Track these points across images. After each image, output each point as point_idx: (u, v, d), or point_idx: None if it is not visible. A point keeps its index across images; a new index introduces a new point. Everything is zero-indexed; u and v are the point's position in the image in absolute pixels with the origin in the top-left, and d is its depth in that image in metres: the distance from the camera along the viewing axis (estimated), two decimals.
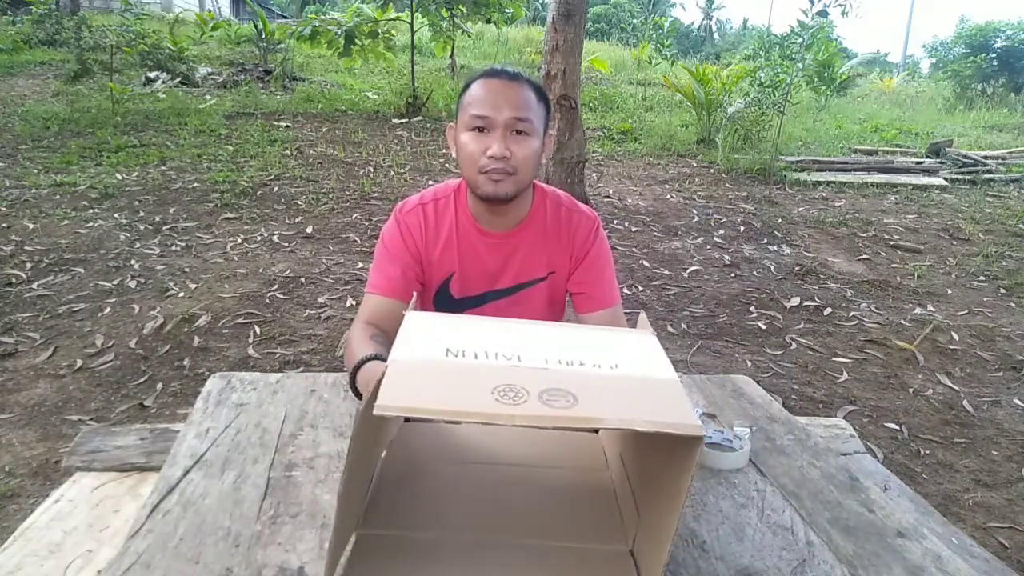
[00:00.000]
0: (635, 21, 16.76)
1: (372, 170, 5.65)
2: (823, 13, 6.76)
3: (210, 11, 14.77)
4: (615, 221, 4.76)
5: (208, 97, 8.03)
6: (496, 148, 1.10)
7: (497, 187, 1.13)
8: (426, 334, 0.79)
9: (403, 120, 7.73)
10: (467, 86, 1.17)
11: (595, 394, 0.66)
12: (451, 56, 10.16)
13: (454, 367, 0.72)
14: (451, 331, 0.80)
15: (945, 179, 6.75)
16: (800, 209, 5.47)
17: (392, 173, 5.59)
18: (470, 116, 1.12)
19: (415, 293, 1.02)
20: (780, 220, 5.07)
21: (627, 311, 3.40)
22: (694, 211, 5.18)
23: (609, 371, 0.71)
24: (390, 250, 1.24)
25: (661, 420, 0.62)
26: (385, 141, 6.76)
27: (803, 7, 6.68)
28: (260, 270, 3.44)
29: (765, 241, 4.57)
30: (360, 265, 3.61)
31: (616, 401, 0.67)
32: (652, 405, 0.65)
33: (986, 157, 7.67)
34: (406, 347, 0.74)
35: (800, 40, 6.79)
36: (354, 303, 3.13)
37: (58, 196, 4.40)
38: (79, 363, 2.48)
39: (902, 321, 3.36)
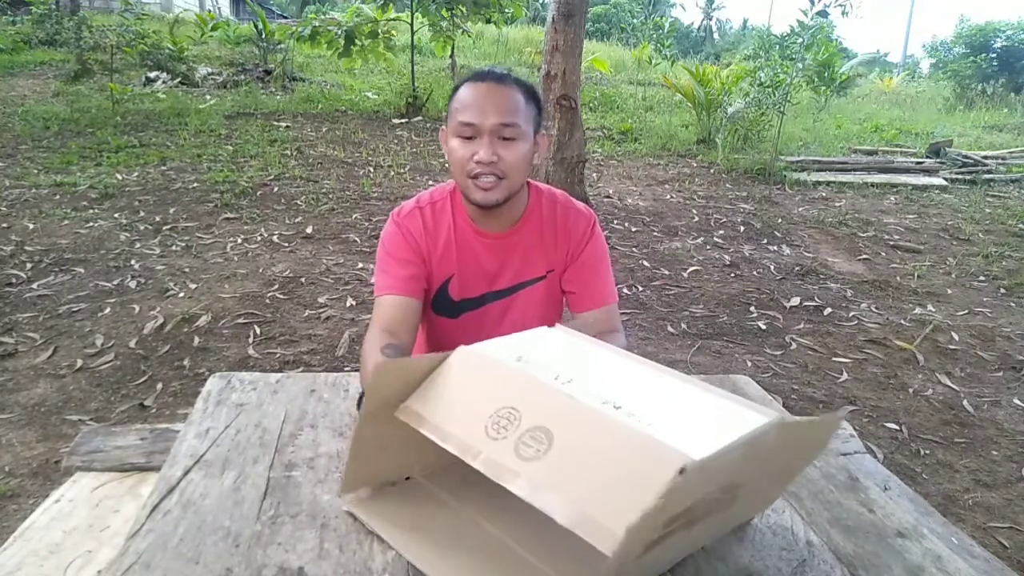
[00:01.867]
0: (635, 21, 16.76)
1: (372, 170, 5.65)
2: (823, 13, 6.76)
3: (210, 11, 14.77)
4: (615, 221, 4.76)
5: (208, 97, 8.03)
6: (483, 154, 1.10)
7: (487, 195, 1.13)
8: (515, 340, 0.82)
9: (403, 120, 7.73)
10: (455, 90, 1.16)
11: (568, 454, 0.60)
12: (451, 56, 10.15)
13: (491, 368, 0.73)
14: (537, 339, 0.83)
15: (945, 179, 6.75)
16: (800, 209, 5.47)
17: (392, 173, 5.59)
18: (457, 123, 1.12)
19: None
20: (780, 220, 5.07)
21: (629, 311, 3.37)
22: (694, 211, 5.18)
23: (632, 422, 0.62)
24: (394, 254, 1.22)
25: (585, 514, 0.54)
26: (385, 141, 6.76)
27: (803, 7, 6.68)
28: (260, 270, 3.44)
29: (765, 241, 4.57)
30: (360, 265, 3.61)
31: (582, 465, 0.60)
32: (612, 490, 0.55)
33: (986, 157, 7.67)
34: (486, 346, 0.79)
35: (800, 40, 6.79)
36: (354, 303, 3.13)
37: (58, 196, 4.40)
38: (79, 363, 2.48)
39: (902, 321, 3.36)
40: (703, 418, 0.66)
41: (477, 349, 0.78)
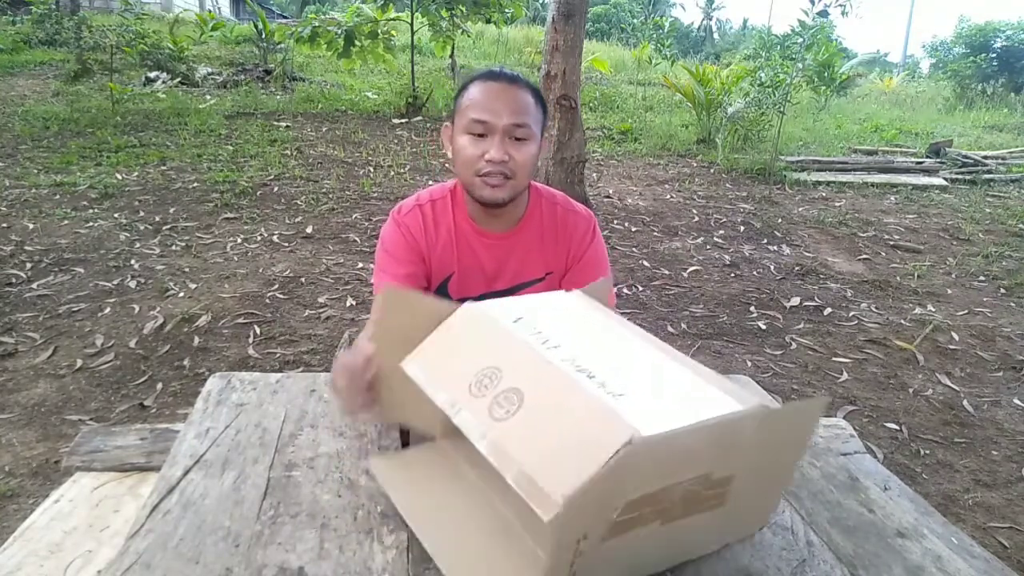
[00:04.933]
0: (635, 21, 16.79)
1: (372, 170, 5.65)
2: (823, 13, 6.76)
3: (210, 11, 14.77)
4: (615, 221, 4.75)
5: (208, 97, 8.03)
6: (495, 153, 1.10)
7: (494, 192, 1.13)
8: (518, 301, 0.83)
9: (403, 120, 7.73)
10: (464, 87, 1.16)
11: (532, 417, 0.62)
12: (451, 56, 10.15)
13: (483, 326, 0.76)
14: (534, 302, 0.84)
15: (945, 179, 6.75)
16: (800, 209, 5.47)
17: (392, 173, 5.59)
18: (469, 120, 1.12)
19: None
20: (780, 220, 5.07)
21: (629, 311, 3.37)
22: (694, 211, 5.18)
23: (599, 392, 0.63)
24: (393, 252, 1.22)
25: (530, 477, 0.55)
26: (385, 141, 6.76)
27: (803, 7, 6.69)
28: (260, 270, 3.44)
29: (765, 241, 4.57)
30: (360, 265, 3.61)
31: (542, 429, 0.61)
32: (560, 456, 0.56)
33: (986, 157, 7.67)
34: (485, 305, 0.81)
35: (800, 40, 6.79)
36: (354, 303, 3.13)
37: (58, 196, 4.40)
38: (79, 363, 2.48)
39: (902, 321, 3.36)
40: (676, 398, 0.65)
41: (480, 307, 0.80)
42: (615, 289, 1.34)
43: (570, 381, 0.65)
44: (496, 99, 1.11)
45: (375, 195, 4.93)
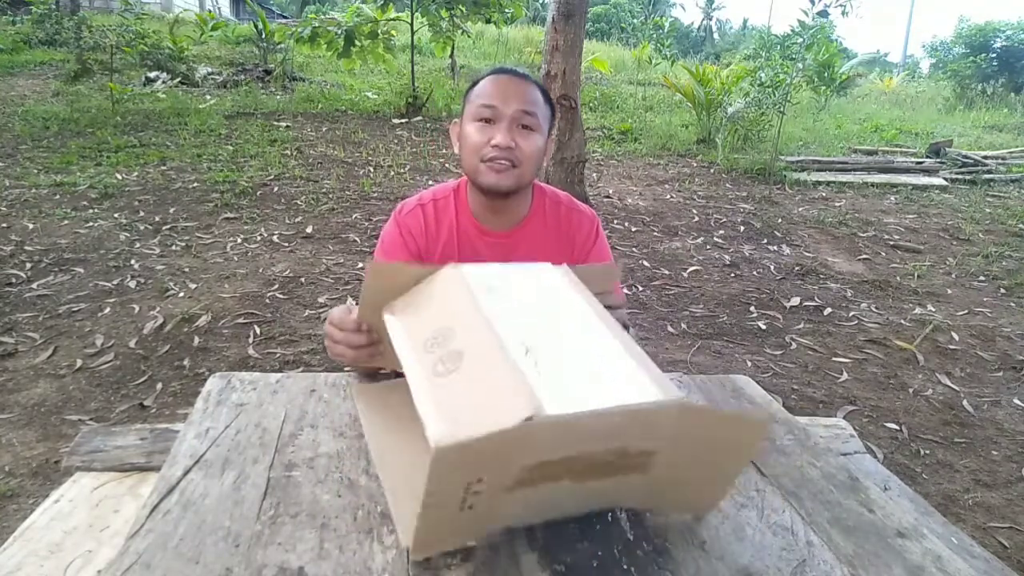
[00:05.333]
0: (635, 21, 16.81)
1: (372, 170, 5.66)
2: (823, 13, 6.77)
3: (210, 11, 14.77)
4: (615, 221, 4.75)
5: (208, 97, 8.03)
6: (501, 138, 1.11)
7: (499, 177, 1.13)
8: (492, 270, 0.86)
9: (403, 120, 7.73)
10: (475, 83, 1.19)
11: (464, 379, 0.66)
12: (451, 56, 10.16)
13: (455, 298, 0.80)
14: (510, 272, 0.87)
15: (945, 179, 6.75)
16: (800, 209, 5.47)
17: (392, 173, 5.60)
18: (477, 107, 1.13)
19: None
20: (780, 220, 5.07)
21: (628, 311, 3.38)
22: (694, 211, 5.18)
23: (526, 367, 0.66)
24: (388, 252, 1.23)
25: (444, 424, 0.60)
26: (385, 141, 6.76)
27: (803, 7, 6.69)
28: (260, 270, 3.44)
29: (765, 241, 4.57)
30: (360, 265, 3.61)
31: (466, 392, 0.65)
32: (471, 420, 0.60)
33: (986, 157, 7.68)
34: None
35: (800, 40, 6.79)
36: (354, 303, 3.13)
37: (58, 196, 4.40)
38: (79, 363, 2.48)
39: (902, 321, 3.36)
40: (604, 381, 0.68)
41: (462, 270, 0.83)
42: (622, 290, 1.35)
43: (504, 353, 0.68)
44: (506, 89, 1.13)
45: (375, 195, 4.93)
